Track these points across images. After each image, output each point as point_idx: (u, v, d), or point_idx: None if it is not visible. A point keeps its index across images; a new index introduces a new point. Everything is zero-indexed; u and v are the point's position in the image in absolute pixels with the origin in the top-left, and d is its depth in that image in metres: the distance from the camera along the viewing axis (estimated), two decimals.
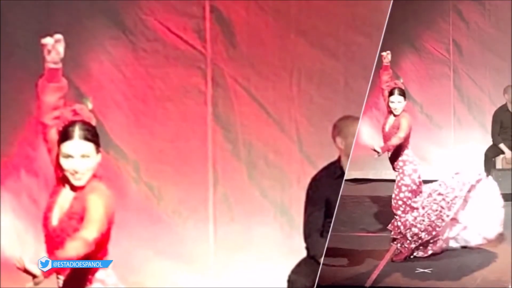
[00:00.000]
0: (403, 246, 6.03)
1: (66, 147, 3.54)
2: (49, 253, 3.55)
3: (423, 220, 5.96)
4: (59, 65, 3.57)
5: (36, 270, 3.14)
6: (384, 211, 6.44)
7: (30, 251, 5.40)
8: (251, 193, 6.01)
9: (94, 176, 3.59)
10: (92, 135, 3.59)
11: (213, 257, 5.95)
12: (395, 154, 6.02)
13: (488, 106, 7.28)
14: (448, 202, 5.96)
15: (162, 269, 5.83)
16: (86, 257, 3.38)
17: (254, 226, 5.97)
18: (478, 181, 6.05)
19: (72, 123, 3.56)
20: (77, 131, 3.55)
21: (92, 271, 3.61)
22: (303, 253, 5.61)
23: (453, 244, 6.12)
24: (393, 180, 6.10)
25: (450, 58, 7.39)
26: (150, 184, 5.93)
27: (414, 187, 6.02)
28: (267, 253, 5.90)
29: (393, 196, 6.05)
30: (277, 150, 6.06)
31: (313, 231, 5.55)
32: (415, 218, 5.98)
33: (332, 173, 5.62)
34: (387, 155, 6.03)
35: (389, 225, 6.10)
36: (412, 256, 6.04)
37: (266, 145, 6.05)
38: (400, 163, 6.02)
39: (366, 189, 7.12)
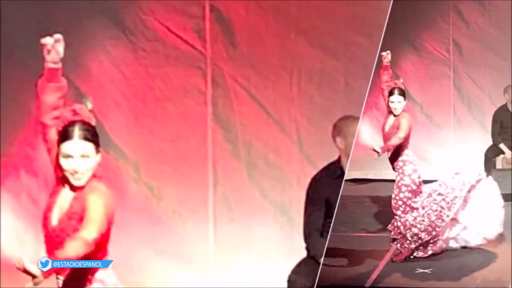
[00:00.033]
0: (403, 246, 6.03)
1: (66, 147, 3.54)
2: (49, 253, 3.54)
3: (423, 220, 5.96)
4: (59, 65, 3.56)
5: (35, 270, 3.13)
6: (384, 211, 6.43)
7: (29, 251, 5.40)
8: (251, 193, 6.00)
9: (94, 176, 3.59)
10: (92, 135, 3.59)
11: (213, 257, 5.94)
12: (395, 154, 6.01)
13: (488, 106, 7.28)
14: (448, 202, 5.95)
15: (162, 269, 5.83)
16: (86, 257, 3.38)
17: (254, 226, 5.97)
18: (478, 181, 6.05)
19: (72, 123, 3.56)
20: (76, 131, 3.55)
21: (92, 271, 3.61)
22: (303, 253, 5.60)
23: (453, 244, 6.12)
24: (393, 180, 6.10)
25: (450, 58, 7.39)
26: (150, 184, 5.92)
27: (414, 187, 6.02)
28: (267, 253, 5.89)
29: (393, 196, 6.05)
30: (277, 150, 6.05)
31: (313, 231, 5.54)
32: (415, 218, 5.98)
33: (332, 173, 5.61)
34: (387, 155, 6.03)
35: (389, 225, 6.10)
36: (412, 256, 6.04)
37: (266, 145, 6.04)
38: (400, 163, 6.01)
39: (366, 189, 7.12)
